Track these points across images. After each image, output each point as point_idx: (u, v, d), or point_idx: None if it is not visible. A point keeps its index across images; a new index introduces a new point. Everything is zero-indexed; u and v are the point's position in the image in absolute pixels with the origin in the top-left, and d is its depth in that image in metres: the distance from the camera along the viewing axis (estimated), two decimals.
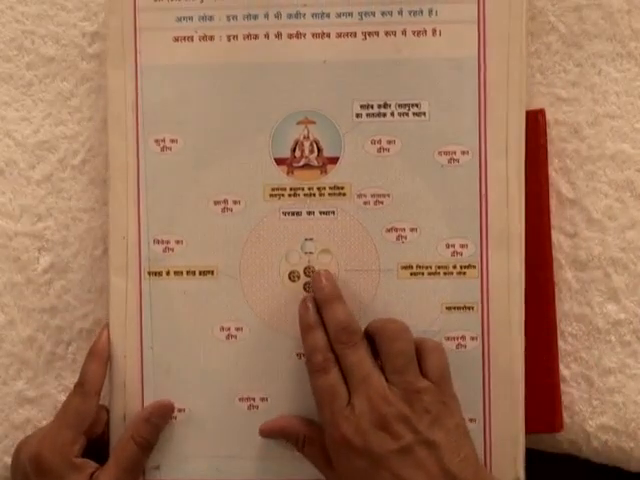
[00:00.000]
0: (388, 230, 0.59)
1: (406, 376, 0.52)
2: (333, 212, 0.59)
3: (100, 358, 0.58)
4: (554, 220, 0.59)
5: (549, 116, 0.59)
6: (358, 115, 0.59)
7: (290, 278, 0.60)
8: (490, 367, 0.58)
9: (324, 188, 0.59)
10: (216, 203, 0.60)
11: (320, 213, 0.59)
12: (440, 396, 0.52)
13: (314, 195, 0.59)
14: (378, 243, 0.59)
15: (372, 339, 0.55)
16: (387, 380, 0.53)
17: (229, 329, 0.59)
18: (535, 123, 0.59)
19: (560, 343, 0.59)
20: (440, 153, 0.59)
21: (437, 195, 0.59)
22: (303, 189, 0.59)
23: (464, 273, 0.59)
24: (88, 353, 0.58)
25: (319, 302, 0.56)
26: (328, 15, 0.58)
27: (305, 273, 0.59)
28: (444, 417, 0.51)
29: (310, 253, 0.59)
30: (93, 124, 0.61)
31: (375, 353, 0.55)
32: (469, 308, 0.59)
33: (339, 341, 0.54)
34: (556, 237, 0.59)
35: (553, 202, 0.59)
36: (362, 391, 0.51)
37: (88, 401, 0.56)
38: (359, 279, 0.59)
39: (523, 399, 0.57)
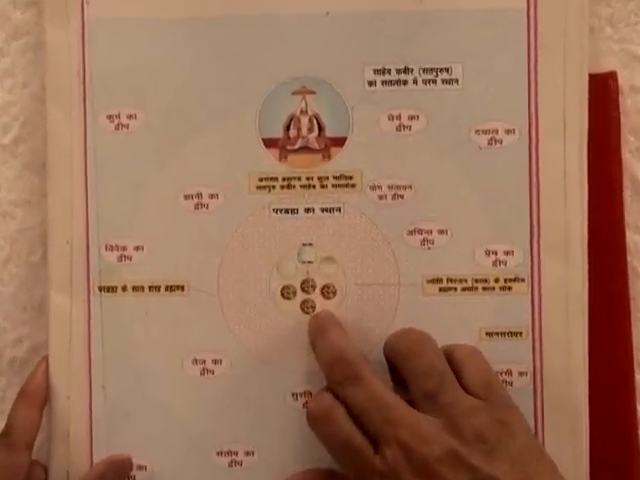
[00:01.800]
0: (410, 232, 0.50)
1: (443, 397, 0.44)
2: (339, 209, 0.50)
3: (34, 400, 0.49)
4: (629, 217, 0.51)
5: (622, 81, 0.51)
6: (371, 83, 0.51)
7: (283, 295, 0.51)
8: (544, 410, 0.50)
9: (327, 178, 0.51)
10: (187, 197, 0.51)
11: (322, 210, 0.51)
12: (494, 413, 0.44)
13: (314, 187, 0.51)
14: (397, 249, 0.50)
15: (391, 364, 0.48)
16: (419, 410, 0.45)
17: (204, 362, 0.51)
18: (603, 90, 0.51)
19: (638, 376, 0.51)
20: (477, 132, 0.50)
21: (474, 186, 0.50)
22: (300, 179, 0.51)
23: (509, 288, 0.50)
24: (19, 393, 0.50)
25: (310, 336, 0.49)
26: None
27: (303, 288, 0.50)
28: (505, 442, 0.44)
29: (309, 262, 0.51)
30: (29, 92, 0.52)
31: (398, 382, 0.47)
32: (516, 334, 0.50)
33: (334, 380, 0.45)
34: (632, 238, 0.51)
35: (628, 193, 0.51)
36: (389, 434, 0.43)
37: (16, 456, 0.48)
38: (373, 296, 0.50)
39: (587, 449, 0.49)
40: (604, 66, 0.51)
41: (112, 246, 0.51)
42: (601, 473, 0.50)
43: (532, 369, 0.49)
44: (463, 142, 0.50)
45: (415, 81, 0.51)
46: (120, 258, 0.51)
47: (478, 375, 0.46)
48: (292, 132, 0.51)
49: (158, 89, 0.51)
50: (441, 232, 0.50)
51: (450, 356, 0.46)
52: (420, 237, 0.50)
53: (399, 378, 0.46)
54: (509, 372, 0.50)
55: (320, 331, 0.48)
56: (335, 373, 0.45)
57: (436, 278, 0.50)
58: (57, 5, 0.51)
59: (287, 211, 0.51)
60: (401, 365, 0.46)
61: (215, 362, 0.51)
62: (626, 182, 0.51)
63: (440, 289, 0.50)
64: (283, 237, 0.50)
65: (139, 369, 0.51)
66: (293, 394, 0.50)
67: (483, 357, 0.47)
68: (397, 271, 0.50)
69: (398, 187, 0.50)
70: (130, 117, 0.51)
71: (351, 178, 0.50)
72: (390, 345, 0.47)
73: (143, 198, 0.51)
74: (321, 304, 0.50)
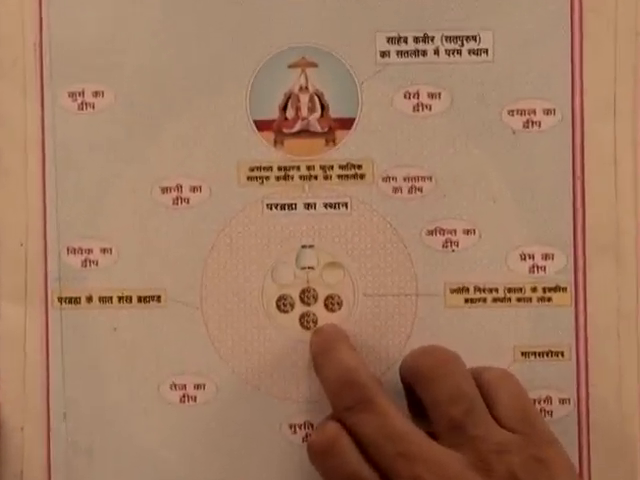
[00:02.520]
0: (430, 232, 0.45)
1: (471, 429, 0.40)
2: (345, 205, 0.45)
3: None
4: None
5: None
6: (384, 54, 0.45)
7: (279, 307, 0.45)
8: (590, 445, 0.44)
9: (331, 167, 0.45)
10: (164, 191, 0.45)
11: (325, 206, 0.45)
12: (530, 449, 0.40)
13: (316, 178, 0.45)
14: (415, 252, 0.45)
15: (408, 388, 0.43)
16: (440, 442, 0.40)
17: (185, 387, 0.45)
18: None
19: None
20: (510, 113, 0.45)
21: (506, 177, 0.45)
22: (299, 169, 0.45)
23: (549, 299, 0.45)
24: None
25: (313, 354, 0.44)
26: None
27: (302, 299, 0.45)
28: None
29: (310, 268, 0.45)
30: None
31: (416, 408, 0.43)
32: (557, 354, 0.45)
33: (341, 406, 0.41)
34: None
35: None
36: (403, 470, 0.39)
37: None
38: (386, 309, 0.45)
39: None
40: None
41: (75, 248, 0.46)
42: None
43: (576, 396, 0.45)
44: (493, 125, 0.45)
45: (436, 51, 0.45)
46: (84, 263, 0.45)
47: (512, 403, 0.42)
48: (289, 113, 0.45)
49: (129, 62, 0.45)
50: (467, 232, 0.45)
51: (478, 380, 0.42)
52: (442, 238, 0.45)
53: (418, 405, 0.42)
54: (548, 399, 0.45)
55: (325, 348, 0.44)
56: (343, 398, 0.41)
57: (461, 287, 0.45)
58: None
59: (283, 207, 0.45)
60: (421, 389, 0.42)
61: (198, 387, 0.45)
62: None
63: (466, 300, 0.45)
64: (279, 238, 0.45)
65: (107, 395, 0.45)
66: (291, 425, 0.45)
67: (517, 381, 0.43)
68: (415, 278, 0.45)
69: (416, 178, 0.45)
70: (96, 95, 0.46)
71: (360, 167, 0.45)
72: (408, 365, 0.43)
73: (112, 191, 0.45)
74: (324, 318, 0.45)
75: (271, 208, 0.45)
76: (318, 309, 0.45)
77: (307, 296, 0.45)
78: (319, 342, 0.44)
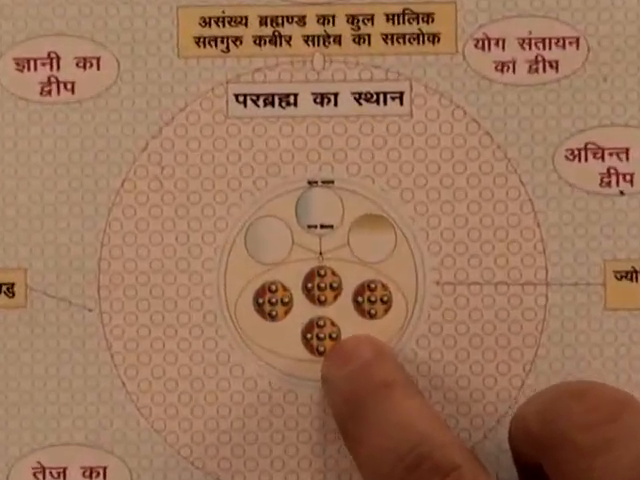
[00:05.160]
0: (574, 154, 0.25)
1: None
2: (399, 96, 0.25)
3: None
4: None
5: None
6: None
7: (259, 306, 0.25)
8: None
9: (370, 18, 0.25)
10: (20, 64, 0.25)
11: (357, 99, 0.25)
12: None
13: (337, 41, 0.25)
14: (542, 196, 0.25)
15: (525, 461, 0.27)
16: None
17: (64, 473, 0.25)
18: None
19: None
20: None
21: None
22: (303, 21, 0.25)
23: None
24: None
25: (338, 410, 0.26)
26: None
27: (307, 290, 0.25)
28: None
29: (325, 228, 0.25)
30: None
31: None
32: None
33: None
34: None
35: None
36: None
37: None
38: (483, 310, 0.25)
39: None
40: None
41: None
42: None
43: None
44: None
45: None
46: None
47: None
48: None
49: None
50: None
51: None
52: (598, 166, 0.25)
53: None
54: None
55: (361, 396, 0.26)
56: (410, 472, 0.26)
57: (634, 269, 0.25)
58: None
59: (270, 100, 0.25)
60: (565, 462, 0.26)
61: (91, 474, 0.25)
62: None
63: None
64: (261, 166, 0.25)
65: None
66: None
67: None
68: (542, 251, 0.25)
69: (545, 42, 0.25)
70: None
71: (430, 19, 0.25)
72: (533, 422, 0.27)
73: None
74: (353, 327, 0.25)
75: (244, 102, 0.25)
76: (340, 310, 0.25)
77: (318, 285, 0.25)
78: (348, 381, 0.26)
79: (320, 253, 0.26)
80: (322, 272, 0.25)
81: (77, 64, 0.24)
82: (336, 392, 0.26)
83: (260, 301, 0.25)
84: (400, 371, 0.26)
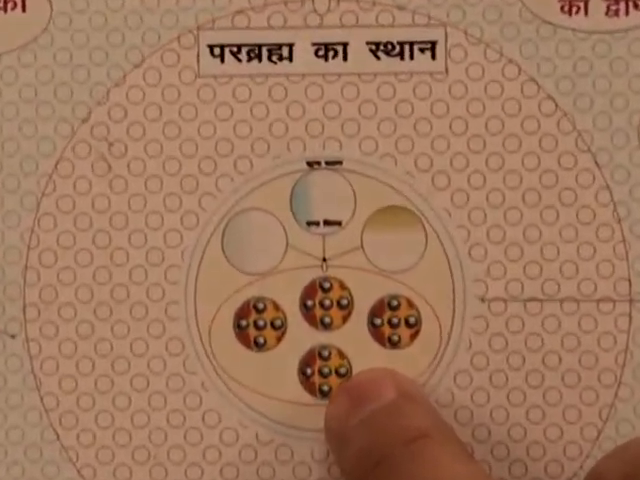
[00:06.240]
0: None
1: None
2: (431, 46, 0.20)
3: None
4: None
5: None
6: None
7: (240, 330, 0.21)
8: None
9: None
10: None
11: (374, 51, 0.20)
12: None
13: None
14: (627, 195, 0.21)
15: None
16: None
17: None
18: None
19: None
20: None
21: None
22: None
23: None
24: None
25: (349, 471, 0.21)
26: None
27: (307, 309, 0.21)
28: None
29: (330, 225, 0.21)
30: None
31: None
32: None
33: None
34: None
35: None
36: None
37: None
38: (543, 332, 0.20)
39: None
40: None
41: None
42: None
43: None
44: None
45: None
46: None
47: None
48: None
49: None
50: None
51: None
52: None
53: None
54: None
55: (396, 442, 0.21)
56: None
57: None
58: None
59: (256, 52, 0.21)
60: None
61: None
62: None
63: None
64: (244, 142, 0.21)
65: None
66: None
67: None
68: (625, 259, 0.21)
69: None
70: None
71: None
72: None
73: None
74: (369, 359, 0.21)
75: (221, 56, 0.20)
76: (351, 336, 0.21)
77: (321, 302, 0.21)
78: (365, 431, 0.22)
79: (324, 259, 0.22)
80: (326, 285, 0.21)
81: None
82: (348, 446, 0.22)
83: (243, 324, 0.20)
84: (434, 417, 0.21)
